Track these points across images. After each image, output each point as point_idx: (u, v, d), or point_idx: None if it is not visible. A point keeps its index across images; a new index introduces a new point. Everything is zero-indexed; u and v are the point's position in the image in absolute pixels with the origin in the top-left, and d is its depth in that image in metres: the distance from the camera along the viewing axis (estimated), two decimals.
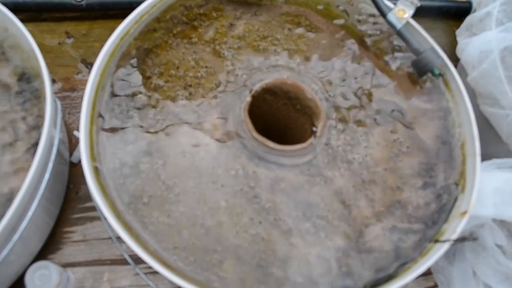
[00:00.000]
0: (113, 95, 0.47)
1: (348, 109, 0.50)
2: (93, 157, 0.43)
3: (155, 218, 0.42)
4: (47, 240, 0.51)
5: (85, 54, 0.64)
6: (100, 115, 0.45)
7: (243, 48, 0.52)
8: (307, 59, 0.52)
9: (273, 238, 0.43)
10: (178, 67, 0.50)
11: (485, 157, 0.48)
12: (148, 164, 0.45)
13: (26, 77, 0.48)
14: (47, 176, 0.43)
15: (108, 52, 0.46)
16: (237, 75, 0.50)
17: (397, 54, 0.53)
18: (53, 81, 0.61)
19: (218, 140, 0.47)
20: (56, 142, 0.45)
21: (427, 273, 0.54)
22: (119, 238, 0.44)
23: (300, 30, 0.54)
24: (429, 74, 0.50)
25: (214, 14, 0.53)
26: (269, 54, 0.52)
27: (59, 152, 0.46)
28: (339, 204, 0.46)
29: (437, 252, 0.42)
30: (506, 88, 0.50)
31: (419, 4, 0.50)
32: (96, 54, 0.46)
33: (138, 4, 0.49)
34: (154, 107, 0.47)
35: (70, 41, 0.65)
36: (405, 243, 0.44)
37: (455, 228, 0.43)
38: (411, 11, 0.50)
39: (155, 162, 0.45)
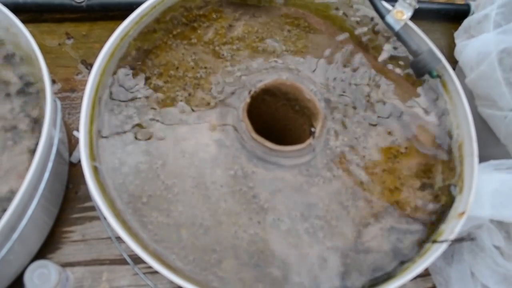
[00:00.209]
0: (113, 95, 0.47)
1: (347, 110, 0.51)
2: (92, 156, 0.43)
3: (154, 218, 0.43)
4: (46, 240, 0.51)
5: (85, 55, 0.64)
6: (100, 115, 0.46)
7: (242, 49, 0.52)
8: (306, 60, 0.53)
9: (272, 238, 0.43)
10: (177, 68, 0.50)
11: (483, 158, 0.48)
12: (147, 164, 0.45)
13: (27, 78, 0.48)
14: (46, 175, 0.44)
15: (108, 53, 0.47)
16: (236, 76, 0.51)
17: (395, 56, 0.54)
18: (53, 81, 0.61)
19: (217, 140, 0.47)
20: (56, 142, 0.45)
21: (425, 274, 0.55)
22: (118, 238, 0.45)
23: (299, 32, 0.54)
24: (427, 76, 0.50)
25: (214, 16, 0.53)
26: (268, 55, 0.52)
27: (58, 152, 0.46)
28: (337, 205, 0.46)
29: (435, 252, 0.42)
30: (504, 90, 0.50)
31: (417, 6, 0.50)
32: (96, 55, 0.46)
33: (138, 5, 0.49)
34: (153, 107, 0.48)
35: (70, 42, 0.65)
36: (403, 244, 0.45)
37: (453, 228, 0.44)
38: (409, 13, 0.50)
39: (154, 162, 0.45)
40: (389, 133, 0.50)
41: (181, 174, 0.45)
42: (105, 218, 0.40)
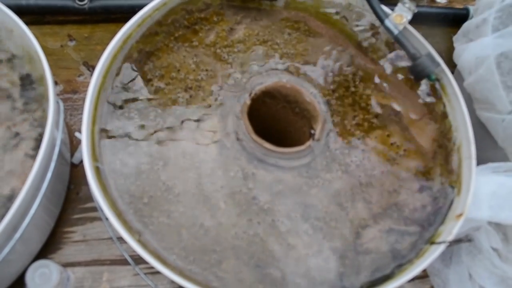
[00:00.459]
0: (115, 96, 0.47)
1: (346, 112, 0.51)
2: (94, 157, 0.43)
3: (155, 218, 0.43)
4: (47, 240, 0.51)
5: (87, 57, 0.64)
6: (102, 117, 0.46)
7: (243, 51, 0.53)
8: (306, 63, 0.53)
9: (272, 238, 0.44)
10: (179, 70, 0.51)
11: (481, 161, 0.48)
12: (148, 165, 0.45)
13: (29, 79, 0.49)
14: (48, 176, 0.44)
15: (111, 55, 0.47)
16: (237, 78, 0.51)
17: (394, 59, 0.54)
18: (55, 83, 0.62)
19: (217, 142, 0.47)
20: (58, 143, 0.46)
21: (424, 276, 0.55)
22: (119, 238, 0.45)
23: (299, 35, 0.55)
24: (426, 79, 0.51)
25: (215, 19, 0.54)
26: (269, 58, 0.53)
27: (60, 153, 0.47)
28: (336, 206, 0.46)
29: (433, 254, 0.43)
30: (502, 93, 0.50)
31: (416, 10, 0.51)
32: (98, 57, 0.46)
33: (140, 8, 0.50)
34: (155, 109, 0.48)
35: (72, 44, 0.65)
36: (402, 245, 0.45)
37: (451, 230, 0.44)
38: (408, 17, 0.50)
39: (155, 163, 0.45)
40: (388, 135, 0.50)
41: (182, 175, 0.45)
42: (106, 219, 0.41)
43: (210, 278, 0.42)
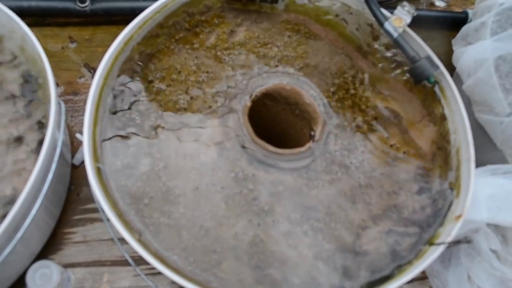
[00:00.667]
0: (116, 98, 0.48)
1: (346, 114, 0.51)
2: (96, 158, 0.44)
3: (155, 219, 0.43)
4: (48, 241, 0.51)
5: (87, 59, 0.65)
6: (103, 118, 0.46)
7: (244, 54, 0.53)
8: (306, 65, 0.54)
9: (272, 239, 0.44)
10: (179, 72, 0.51)
11: (479, 163, 0.49)
12: (149, 166, 0.45)
13: (31, 80, 0.49)
14: (50, 177, 0.44)
15: (112, 56, 0.47)
16: (238, 80, 0.51)
17: (393, 62, 0.54)
18: (56, 84, 0.62)
19: (218, 143, 0.47)
20: (59, 144, 0.46)
21: (423, 278, 0.55)
22: (120, 239, 0.45)
23: (299, 38, 0.55)
24: (425, 82, 0.51)
25: (216, 21, 0.54)
26: (269, 60, 0.53)
27: (61, 154, 0.47)
28: (336, 207, 0.46)
29: (432, 255, 0.43)
30: (500, 96, 0.51)
31: (415, 13, 0.51)
32: (98, 59, 0.47)
33: (141, 10, 0.50)
34: (155, 110, 0.48)
35: (73, 45, 0.66)
36: (401, 246, 0.45)
37: (450, 231, 0.44)
38: (408, 20, 0.51)
39: (156, 164, 0.46)
40: (388, 137, 0.51)
41: (183, 176, 0.46)
42: (107, 219, 0.41)
43: (210, 278, 0.42)
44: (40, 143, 0.46)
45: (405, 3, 0.51)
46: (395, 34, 0.50)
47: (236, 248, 0.43)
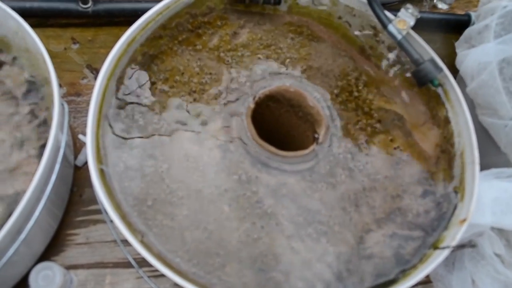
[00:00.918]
0: (119, 99, 0.48)
1: (349, 117, 0.51)
2: (99, 159, 0.43)
3: (159, 221, 0.43)
4: (50, 242, 0.51)
5: (90, 60, 0.65)
6: (106, 119, 0.46)
7: (247, 55, 0.53)
8: (310, 67, 0.53)
9: (275, 242, 0.44)
10: (183, 73, 0.51)
11: (483, 166, 0.49)
12: (152, 168, 0.45)
13: (34, 81, 0.49)
14: (53, 178, 0.44)
15: (115, 57, 0.47)
16: (241, 82, 0.51)
17: (397, 64, 0.54)
18: (59, 85, 0.62)
19: (221, 145, 0.47)
20: (63, 145, 0.46)
21: (427, 282, 0.55)
22: (123, 241, 0.45)
23: (302, 40, 0.55)
24: (429, 84, 0.51)
25: (219, 23, 0.54)
26: (272, 62, 0.53)
27: (64, 155, 0.47)
28: (340, 210, 0.46)
29: (436, 259, 0.43)
30: (504, 99, 0.51)
31: (419, 16, 0.51)
32: (101, 60, 0.47)
33: (143, 11, 0.50)
34: (159, 112, 0.48)
35: (75, 46, 0.65)
36: (405, 250, 0.45)
37: (454, 235, 0.44)
38: (411, 23, 0.51)
39: (159, 166, 0.45)
40: (391, 140, 0.51)
41: (186, 178, 0.45)
42: (111, 221, 0.41)
43: (214, 281, 0.41)
44: (43, 144, 0.46)
45: (409, 5, 0.51)
46: (399, 37, 0.50)
47: (240, 250, 0.43)
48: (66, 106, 0.49)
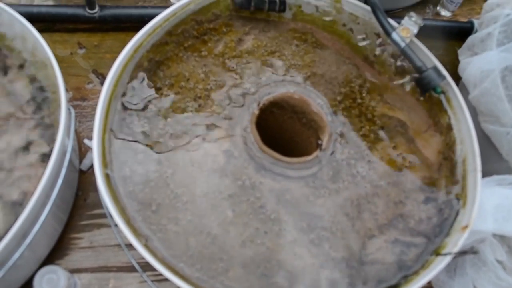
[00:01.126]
0: (125, 105, 0.48)
1: (353, 123, 0.52)
2: (105, 164, 0.44)
3: (163, 226, 0.43)
4: (54, 246, 0.52)
5: (96, 65, 0.65)
6: (112, 124, 0.47)
7: (252, 62, 0.54)
8: (314, 74, 0.54)
9: (278, 248, 0.44)
10: (188, 79, 0.51)
11: (485, 173, 0.49)
12: (157, 173, 0.46)
13: (41, 85, 0.49)
14: (59, 182, 0.44)
15: (122, 63, 0.48)
16: (245, 88, 0.52)
17: (400, 72, 0.55)
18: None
19: (226, 151, 0.48)
20: (69, 149, 0.46)
21: None
22: (127, 245, 0.45)
23: (306, 47, 0.56)
24: (432, 92, 0.51)
25: (224, 29, 0.55)
26: (277, 68, 0.54)
27: (70, 160, 0.47)
28: (343, 216, 0.47)
29: (438, 265, 0.43)
30: (507, 107, 0.51)
31: (422, 24, 0.52)
32: (107, 65, 0.47)
33: (150, 17, 0.51)
34: (164, 117, 0.49)
35: (82, 51, 0.66)
36: (407, 256, 0.45)
37: (456, 241, 0.44)
38: (414, 31, 0.51)
39: (164, 171, 0.46)
40: (394, 147, 0.51)
41: (190, 183, 0.46)
42: (115, 225, 0.41)
43: (217, 286, 0.42)
44: (50, 149, 0.46)
45: (412, 13, 0.52)
46: (402, 44, 0.51)
47: (243, 256, 0.43)
48: (72, 111, 0.50)
